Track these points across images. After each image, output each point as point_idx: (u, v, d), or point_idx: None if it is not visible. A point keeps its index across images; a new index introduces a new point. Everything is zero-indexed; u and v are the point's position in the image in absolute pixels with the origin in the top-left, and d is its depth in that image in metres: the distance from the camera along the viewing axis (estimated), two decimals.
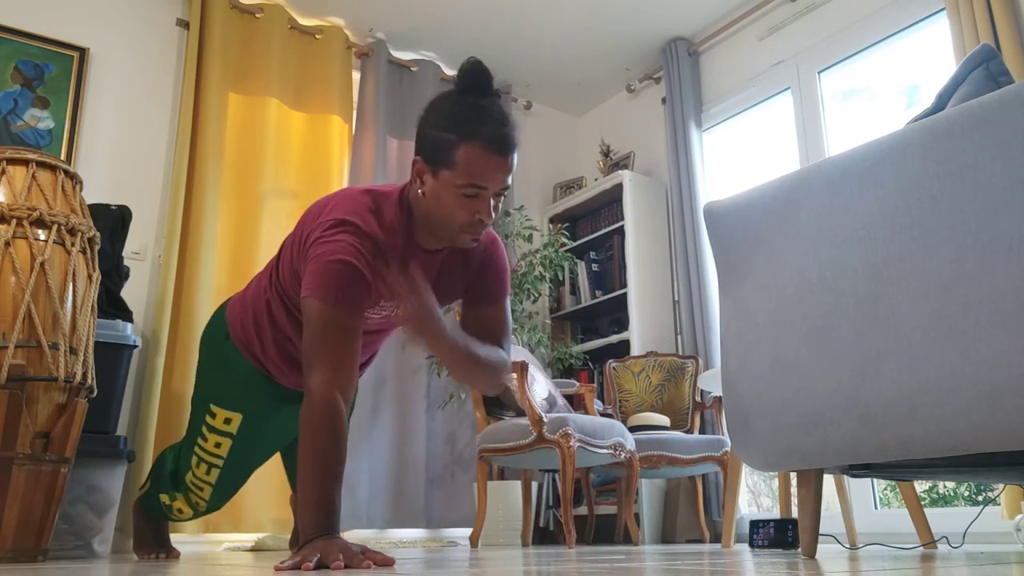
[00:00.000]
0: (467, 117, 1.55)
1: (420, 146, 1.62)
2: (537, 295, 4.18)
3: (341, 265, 1.58)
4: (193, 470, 2.09)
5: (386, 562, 1.37)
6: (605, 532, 4.05)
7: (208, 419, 2.05)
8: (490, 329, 1.81)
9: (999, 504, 2.80)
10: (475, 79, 1.57)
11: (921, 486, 3.37)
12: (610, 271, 4.47)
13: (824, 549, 2.38)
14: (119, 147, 3.62)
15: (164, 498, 2.17)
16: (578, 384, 3.56)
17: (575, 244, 4.52)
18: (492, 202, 1.60)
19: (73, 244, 2.15)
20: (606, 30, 4.34)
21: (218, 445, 2.05)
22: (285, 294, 1.87)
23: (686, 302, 4.07)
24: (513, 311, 4.05)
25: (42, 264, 2.05)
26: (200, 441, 2.07)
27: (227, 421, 2.03)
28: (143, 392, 3.35)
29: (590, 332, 4.65)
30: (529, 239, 4.12)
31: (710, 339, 3.92)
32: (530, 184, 4.85)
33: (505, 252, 1.88)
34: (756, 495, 4.22)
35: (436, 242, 1.72)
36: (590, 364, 4.42)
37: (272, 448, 2.18)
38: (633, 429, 3.47)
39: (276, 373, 2.01)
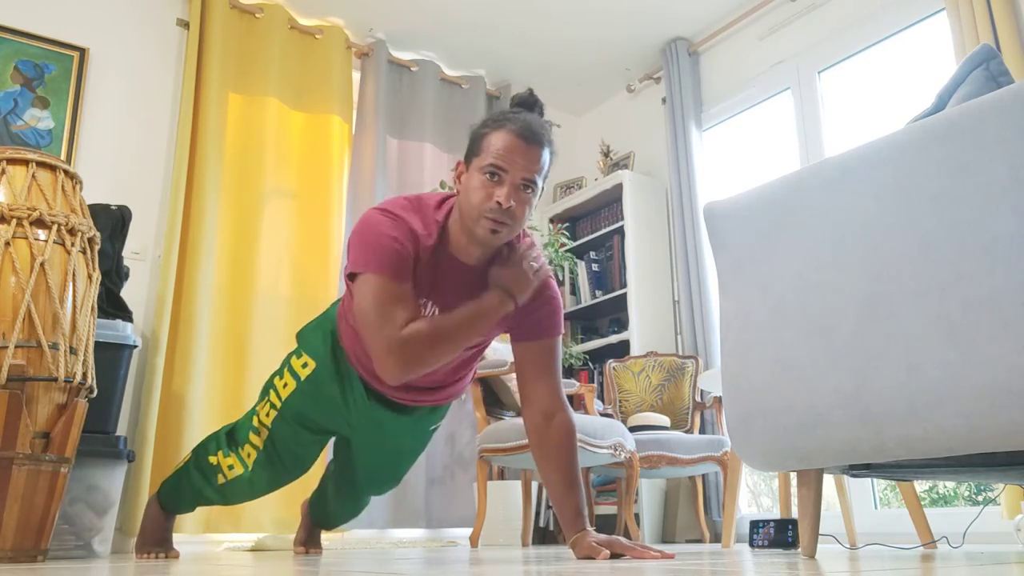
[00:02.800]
0: (503, 115, 1.66)
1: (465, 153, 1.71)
2: None
3: (381, 237, 1.63)
4: (258, 414, 2.11)
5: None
6: (605, 532, 4.02)
7: (293, 359, 2.08)
8: (544, 366, 1.78)
9: (999, 504, 2.80)
10: (524, 99, 1.73)
11: (921, 486, 3.37)
12: (610, 271, 4.46)
13: (824, 549, 2.37)
14: (119, 147, 3.62)
15: (213, 459, 2.17)
16: (578, 384, 3.55)
17: (575, 244, 4.52)
18: (516, 194, 1.61)
19: (73, 244, 2.15)
20: (606, 30, 4.34)
21: (285, 386, 2.07)
22: (348, 320, 1.92)
23: (686, 302, 4.07)
24: None
25: (42, 264, 2.05)
26: (276, 380, 2.10)
27: (304, 365, 2.05)
28: (143, 392, 3.35)
29: (590, 332, 4.65)
30: None
31: (710, 339, 3.92)
32: None
33: (559, 292, 1.86)
34: (756, 495, 4.22)
35: (475, 252, 1.71)
36: (590, 364, 4.41)
37: (314, 437, 2.15)
38: (633, 429, 3.47)
39: (365, 374, 2.00)
